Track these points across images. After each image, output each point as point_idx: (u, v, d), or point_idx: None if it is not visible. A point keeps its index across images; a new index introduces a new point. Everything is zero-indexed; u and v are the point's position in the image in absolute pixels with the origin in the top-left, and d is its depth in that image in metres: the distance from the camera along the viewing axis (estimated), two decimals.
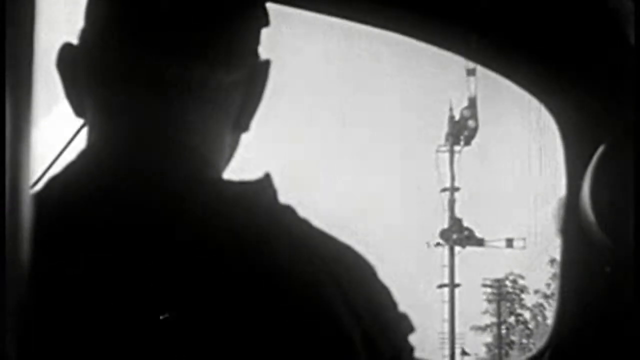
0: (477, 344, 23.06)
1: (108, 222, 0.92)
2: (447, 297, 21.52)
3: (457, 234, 21.54)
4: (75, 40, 1.02)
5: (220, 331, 0.89)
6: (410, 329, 0.99)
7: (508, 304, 23.56)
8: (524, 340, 23.06)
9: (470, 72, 19.96)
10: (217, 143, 1.02)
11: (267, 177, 0.98)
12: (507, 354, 22.77)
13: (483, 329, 23.44)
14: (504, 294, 23.57)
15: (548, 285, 21.55)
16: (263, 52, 1.04)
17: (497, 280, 23.58)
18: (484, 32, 1.54)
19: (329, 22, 1.52)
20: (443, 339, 21.37)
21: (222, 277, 0.91)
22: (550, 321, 1.71)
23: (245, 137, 1.07)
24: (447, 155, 21.75)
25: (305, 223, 0.97)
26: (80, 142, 1.03)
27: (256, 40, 1.04)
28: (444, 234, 21.70)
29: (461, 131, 21.35)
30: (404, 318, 0.99)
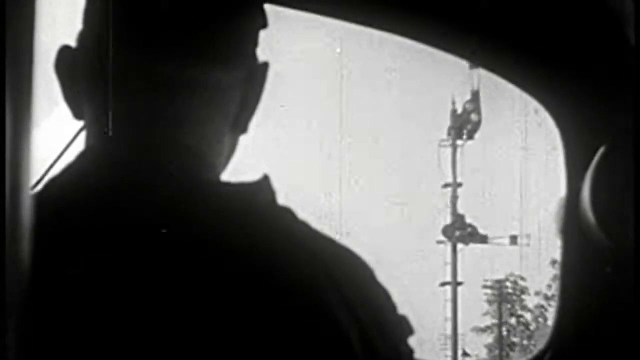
0: (478, 345, 23.03)
1: (106, 223, 0.93)
2: (449, 296, 21.36)
3: (460, 231, 21.29)
4: (73, 43, 1.02)
5: (219, 332, 0.89)
6: (410, 331, 0.99)
7: (509, 305, 23.52)
8: (525, 342, 23.04)
9: (473, 65, 19.79)
10: (216, 144, 1.02)
11: (266, 178, 0.98)
12: (507, 355, 22.75)
13: (483, 330, 23.41)
14: (504, 295, 23.52)
15: (549, 286, 21.47)
16: (261, 53, 1.05)
17: (498, 282, 23.51)
18: (484, 33, 1.54)
19: (327, 23, 1.52)
20: (445, 339, 21.32)
21: (220, 279, 0.91)
22: (551, 322, 1.71)
23: (243, 139, 1.07)
24: (449, 149, 21.53)
25: (303, 225, 0.97)
26: (80, 144, 1.04)
27: (254, 41, 1.04)
28: (446, 231, 21.48)
29: (464, 125, 21.14)
30: (403, 320, 0.99)
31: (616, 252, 1.45)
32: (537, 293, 23.29)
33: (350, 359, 0.92)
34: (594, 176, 1.44)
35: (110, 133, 1.00)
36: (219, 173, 1.03)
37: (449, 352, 21.44)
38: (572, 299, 1.57)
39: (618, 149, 1.44)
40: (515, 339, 23.97)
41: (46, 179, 0.98)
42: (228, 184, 0.99)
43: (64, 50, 1.02)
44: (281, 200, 0.97)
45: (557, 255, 1.59)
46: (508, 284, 23.93)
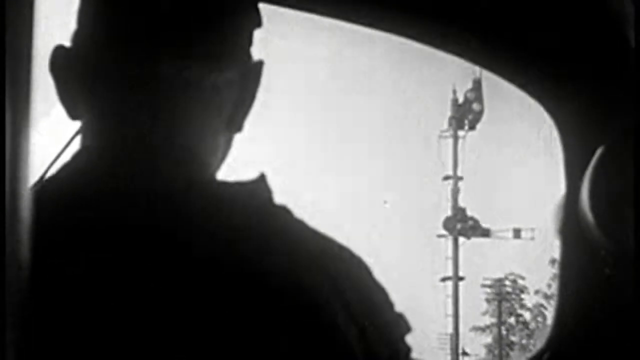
0: (477, 344, 23.00)
1: (103, 222, 0.93)
2: (449, 292, 20.91)
3: (461, 224, 20.75)
4: (67, 43, 1.02)
5: (217, 332, 0.89)
6: (407, 329, 0.99)
7: (508, 305, 23.47)
8: (524, 341, 23.02)
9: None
10: (211, 143, 1.02)
11: (262, 177, 0.98)
12: (507, 355, 22.74)
13: (483, 329, 23.36)
14: (503, 294, 23.45)
15: (549, 285, 21.34)
16: (256, 52, 1.05)
17: (498, 280, 23.40)
18: (484, 33, 1.54)
19: (323, 22, 1.52)
20: (445, 338, 21.23)
21: (218, 278, 0.91)
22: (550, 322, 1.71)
23: (239, 137, 1.07)
24: (450, 140, 21.08)
25: (300, 224, 0.97)
26: (76, 144, 1.04)
27: (249, 41, 1.04)
28: (447, 224, 20.94)
29: (465, 115, 20.59)
30: (400, 318, 0.99)
31: (616, 252, 1.45)
32: (536, 292, 23.22)
33: (348, 357, 0.92)
34: (593, 176, 1.44)
35: (104, 133, 1.00)
36: (214, 172, 1.03)
37: (449, 352, 21.28)
38: (571, 299, 1.57)
39: (617, 149, 1.44)
40: (514, 338, 23.92)
41: (44, 179, 0.99)
42: (224, 183, 0.99)
43: (59, 50, 1.02)
44: (278, 199, 0.97)
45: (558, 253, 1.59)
46: (507, 282, 23.82)
